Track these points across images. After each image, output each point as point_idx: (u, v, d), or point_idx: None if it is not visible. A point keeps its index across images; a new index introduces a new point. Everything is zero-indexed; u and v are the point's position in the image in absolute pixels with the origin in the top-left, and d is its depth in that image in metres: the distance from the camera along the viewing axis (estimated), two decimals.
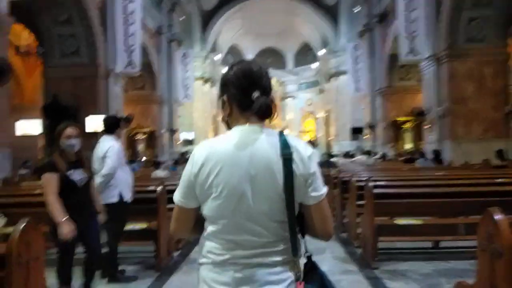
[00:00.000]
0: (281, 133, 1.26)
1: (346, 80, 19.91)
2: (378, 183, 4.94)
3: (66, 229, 2.88)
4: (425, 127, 12.37)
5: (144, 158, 14.97)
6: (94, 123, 9.73)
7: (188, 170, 1.25)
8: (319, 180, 1.26)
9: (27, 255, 2.13)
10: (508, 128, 10.51)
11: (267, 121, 1.27)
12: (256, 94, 1.23)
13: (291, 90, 29.46)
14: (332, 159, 11.44)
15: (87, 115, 10.25)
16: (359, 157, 12.61)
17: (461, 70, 10.68)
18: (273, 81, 22.55)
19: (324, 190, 1.27)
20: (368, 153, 13.12)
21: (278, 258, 1.22)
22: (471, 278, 2.57)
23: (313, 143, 9.77)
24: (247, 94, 1.23)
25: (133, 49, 12.09)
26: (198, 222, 1.30)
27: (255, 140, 1.21)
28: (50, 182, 2.98)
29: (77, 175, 3.09)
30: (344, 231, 6.10)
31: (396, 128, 16.22)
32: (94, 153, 4.00)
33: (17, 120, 12.63)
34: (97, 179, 3.73)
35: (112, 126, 4.12)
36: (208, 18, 22.68)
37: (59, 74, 10.87)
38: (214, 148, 1.22)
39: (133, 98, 15.70)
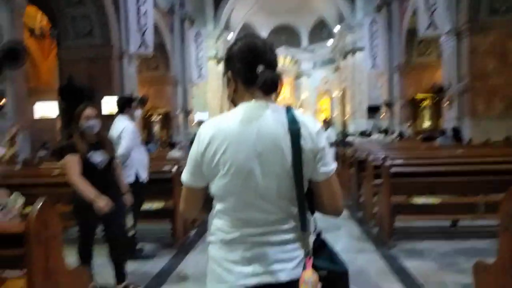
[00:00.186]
0: (288, 109, 1.23)
1: (363, 57, 19.43)
2: (395, 162, 4.86)
3: (102, 202, 2.91)
4: (445, 104, 12.06)
5: (158, 141, 15.09)
6: (109, 105, 9.81)
7: (195, 149, 1.24)
8: (328, 155, 1.24)
9: (45, 234, 2.17)
10: None
11: (274, 98, 1.25)
12: (260, 68, 1.19)
13: (306, 68, 28.97)
14: (348, 138, 11.32)
15: (102, 97, 10.32)
16: (376, 136, 12.44)
17: (482, 44, 10.29)
18: (287, 60, 22.23)
19: (333, 165, 1.25)
20: (385, 132, 12.92)
21: (288, 236, 1.20)
22: (490, 257, 2.52)
23: (328, 122, 9.66)
24: (251, 69, 1.20)
25: (146, 29, 12.03)
26: (207, 201, 1.30)
27: (261, 116, 1.19)
28: (71, 164, 2.97)
29: (97, 157, 3.06)
30: (360, 210, 6.08)
31: (414, 106, 15.85)
32: (109, 134, 4.02)
33: (34, 102, 12.82)
34: None
35: (123, 105, 4.12)
36: None
37: (73, 56, 10.93)
38: (220, 126, 1.21)
39: (147, 79, 15.72)
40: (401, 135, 13.84)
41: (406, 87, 16.04)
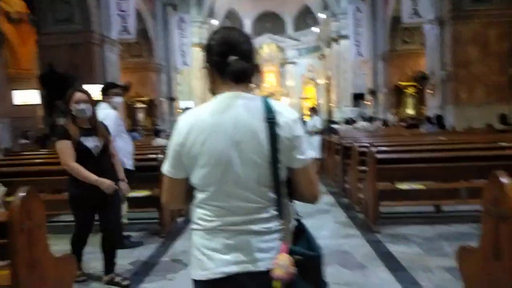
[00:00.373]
0: (264, 98, 1.26)
1: (347, 44, 19.46)
2: (380, 148, 4.92)
3: (106, 182, 2.87)
4: (428, 92, 12.22)
5: (142, 128, 14.89)
6: (91, 92, 9.55)
7: (174, 140, 1.26)
8: (305, 143, 1.26)
9: (29, 223, 2.12)
10: None
11: (252, 87, 1.28)
12: (231, 58, 1.23)
13: (291, 56, 28.86)
14: (334, 126, 11.39)
15: (84, 84, 10.07)
16: (361, 124, 12.55)
17: (465, 33, 10.40)
18: (272, 47, 22.03)
19: (310, 153, 1.27)
20: (369, 119, 13.03)
21: (269, 225, 1.22)
22: (472, 241, 2.58)
23: (315, 110, 9.69)
24: (225, 60, 1.24)
25: (127, 14, 11.76)
26: (191, 191, 1.31)
27: (237, 106, 1.22)
28: (65, 149, 2.89)
29: (90, 142, 2.96)
30: (345, 197, 6.15)
31: (398, 94, 16.01)
32: None
33: (13, 89, 12.46)
34: None
35: (102, 92, 4.04)
36: None
37: (53, 42, 10.60)
38: (198, 117, 1.23)
39: (130, 66, 15.42)
40: (384, 122, 13.99)
41: (390, 75, 16.17)
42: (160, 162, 4.49)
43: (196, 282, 1.27)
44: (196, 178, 1.24)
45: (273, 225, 1.23)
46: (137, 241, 4.23)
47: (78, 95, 2.98)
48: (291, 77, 28.89)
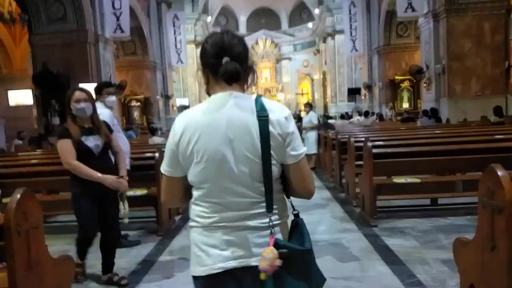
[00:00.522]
0: (257, 97, 1.29)
1: (343, 39, 19.47)
2: (376, 143, 4.93)
3: (110, 178, 2.86)
4: (423, 85, 12.25)
5: (138, 127, 14.84)
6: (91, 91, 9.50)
7: (170, 140, 1.30)
8: (298, 140, 1.29)
9: (26, 225, 2.10)
10: (506, 84, 10.42)
11: (245, 87, 1.33)
12: (224, 60, 1.26)
13: (286, 51, 28.84)
14: (330, 121, 11.41)
15: (79, 83, 10.02)
16: (357, 118, 12.57)
17: (459, 26, 10.43)
18: (268, 43, 22.00)
19: (302, 149, 1.30)
20: (365, 114, 13.07)
21: (265, 220, 1.25)
22: (468, 234, 2.60)
23: (310, 105, 9.70)
24: (218, 62, 1.27)
25: (121, 13, 11.68)
26: (190, 190, 1.34)
27: (230, 104, 1.25)
28: (66, 148, 2.87)
29: (91, 142, 2.94)
30: (342, 192, 6.17)
31: (394, 88, 16.05)
32: None
33: (7, 90, 12.37)
34: None
35: (96, 92, 4.01)
36: None
37: (47, 41, 10.54)
38: (192, 117, 1.28)
39: (124, 64, 15.36)
40: (380, 116, 14.02)
41: (385, 69, 16.20)
42: (157, 160, 4.48)
43: (196, 278, 1.31)
44: (192, 176, 1.28)
45: (269, 220, 1.25)
46: (135, 240, 4.22)
47: (77, 94, 2.96)
48: (287, 72, 28.87)
